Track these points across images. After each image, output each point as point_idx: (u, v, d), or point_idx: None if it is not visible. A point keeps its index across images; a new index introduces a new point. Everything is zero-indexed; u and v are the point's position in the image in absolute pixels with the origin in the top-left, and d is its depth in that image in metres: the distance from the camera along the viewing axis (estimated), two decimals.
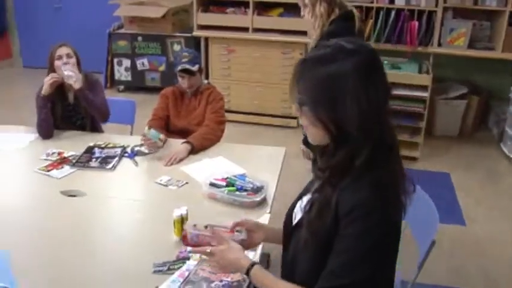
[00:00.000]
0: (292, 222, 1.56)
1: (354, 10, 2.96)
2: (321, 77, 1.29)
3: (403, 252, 2.60)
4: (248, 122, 5.51)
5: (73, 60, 3.12)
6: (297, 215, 1.52)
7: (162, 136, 2.89)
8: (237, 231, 1.68)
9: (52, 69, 3.11)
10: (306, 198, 1.49)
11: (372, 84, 1.28)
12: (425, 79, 4.58)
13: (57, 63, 3.09)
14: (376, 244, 1.28)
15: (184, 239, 1.75)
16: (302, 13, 3.02)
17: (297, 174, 3.60)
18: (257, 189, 2.41)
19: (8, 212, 2.39)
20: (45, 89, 3.05)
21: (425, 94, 4.56)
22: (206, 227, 1.70)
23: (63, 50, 3.11)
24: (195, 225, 1.72)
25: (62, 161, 2.81)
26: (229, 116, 3.89)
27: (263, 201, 2.38)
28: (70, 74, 3.04)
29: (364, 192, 1.28)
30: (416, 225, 2.29)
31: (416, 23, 4.79)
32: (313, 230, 1.36)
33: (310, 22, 2.95)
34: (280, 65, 5.37)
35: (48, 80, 3.05)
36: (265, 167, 2.77)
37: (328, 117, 1.30)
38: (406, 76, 4.62)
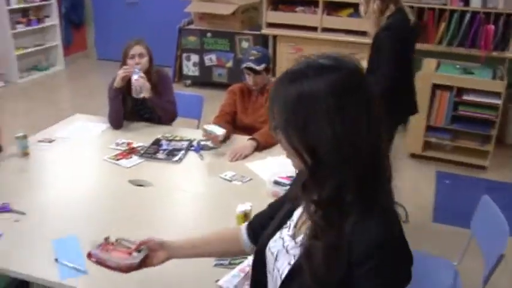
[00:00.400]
0: (265, 262, 1.36)
1: (406, 7, 3.09)
2: (290, 97, 1.12)
3: (466, 263, 2.53)
4: None
5: (144, 60, 3.21)
6: (280, 257, 1.28)
7: (222, 131, 2.94)
8: (139, 250, 1.57)
9: (125, 63, 3.22)
10: (288, 237, 1.29)
11: (350, 105, 1.10)
12: (499, 85, 4.40)
13: (129, 62, 3.19)
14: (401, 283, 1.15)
15: (89, 256, 1.62)
16: (360, 12, 3.15)
17: None
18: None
19: (77, 197, 2.50)
20: (117, 82, 3.16)
21: (499, 101, 4.39)
22: (107, 238, 1.62)
23: (137, 49, 3.20)
24: (100, 245, 1.62)
25: (131, 151, 2.90)
26: None
27: None
28: (137, 87, 3.12)
29: (378, 228, 1.11)
30: (483, 237, 2.22)
31: (493, 27, 4.62)
32: (322, 282, 1.14)
33: (366, 19, 3.10)
34: None
35: (120, 73, 3.16)
36: None
37: (299, 142, 1.13)
38: (478, 82, 4.46)
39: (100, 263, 1.57)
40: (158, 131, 3.19)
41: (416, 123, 4.60)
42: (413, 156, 4.80)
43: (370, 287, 1.11)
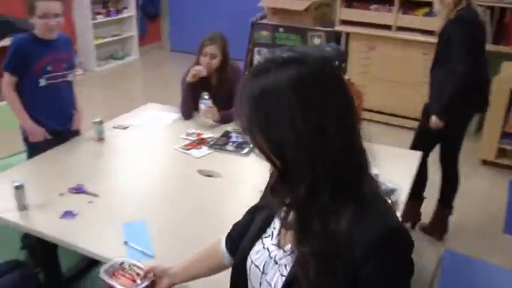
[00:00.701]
0: (245, 276, 1.26)
1: (475, 4, 3.16)
2: (252, 93, 1.04)
3: None
4: (379, 121, 5.39)
5: (215, 60, 3.24)
6: (269, 269, 1.18)
7: None
8: (145, 277, 1.61)
9: (199, 59, 3.27)
10: (273, 246, 1.19)
11: (313, 99, 1.01)
12: None
13: (202, 59, 3.25)
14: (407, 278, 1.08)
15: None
16: (434, 9, 3.26)
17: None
18: (389, 192, 2.35)
19: (147, 184, 2.58)
20: (190, 77, 3.24)
21: None
22: (122, 263, 1.68)
23: (210, 49, 3.23)
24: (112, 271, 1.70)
25: (201, 141, 2.95)
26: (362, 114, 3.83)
27: (394, 205, 2.31)
28: (204, 115, 3.22)
29: (376, 222, 1.04)
30: None
31: None
32: None
33: (438, 11, 3.20)
34: (420, 67, 5.16)
35: (193, 71, 3.22)
36: (399, 169, 2.69)
37: (264, 141, 1.05)
38: None
39: None
40: (228, 124, 3.22)
41: (491, 128, 4.42)
42: (485, 162, 4.62)
43: (378, 284, 1.04)
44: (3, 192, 2.36)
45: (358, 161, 1.08)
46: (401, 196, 2.37)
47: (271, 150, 1.06)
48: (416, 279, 1.08)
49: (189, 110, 3.32)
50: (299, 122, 1.00)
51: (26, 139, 3.05)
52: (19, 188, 2.26)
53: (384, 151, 2.96)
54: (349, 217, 1.03)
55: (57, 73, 3.00)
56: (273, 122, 1.02)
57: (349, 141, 1.06)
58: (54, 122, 3.06)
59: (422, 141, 3.36)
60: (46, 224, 2.20)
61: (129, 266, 1.69)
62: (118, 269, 1.70)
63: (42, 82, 2.94)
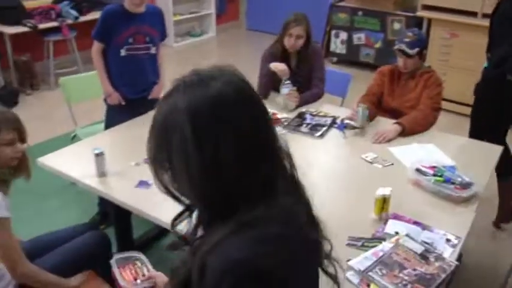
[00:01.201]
0: None
1: None
2: (155, 122, 0.98)
3: None
4: (458, 112, 5.19)
5: (300, 41, 3.22)
6: None
7: (365, 121, 2.89)
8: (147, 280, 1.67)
9: (283, 38, 3.25)
10: None
11: (205, 133, 0.91)
12: None
13: (287, 40, 3.22)
14: None
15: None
16: None
17: None
18: (465, 185, 2.28)
19: None
20: (272, 66, 3.21)
21: None
22: (136, 259, 1.82)
23: (296, 30, 3.20)
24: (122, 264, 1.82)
25: (275, 121, 2.96)
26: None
27: (470, 199, 2.24)
28: (286, 102, 3.18)
29: (232, 251, 0.91)
30: None
31: None
32: None
33: None
34: None
35: (271, 67, 3.20)
36: (478, 163, 2.59)
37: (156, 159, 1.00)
38: None
39: (115, 279, 1.76)
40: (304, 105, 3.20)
41: None
42: None
43: None
44: (84, 159, 2.47)
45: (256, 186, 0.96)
46: (478, 190, 2.28)
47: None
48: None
49: (266, 88, 3.32)
50: (191, 158, 0.92)
51: (105, 100, 3.30)
52: (99, 156, 2.36)
53: (463, 143, 2.89)
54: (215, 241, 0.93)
55: (138, 45, 3.13)
56: (172, 153, 0.95)
57: (247, 169, 0.95)
58: (130, 90, 3.25)
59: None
60: (122, 191, 2.29)
61: (141, 264, 1.79)
62: (129, 263, 1.80)
63: (123, 52, 3.11)
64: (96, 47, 3.16)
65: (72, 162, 2.54)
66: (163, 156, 0.97)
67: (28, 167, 2.10)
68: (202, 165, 0.92)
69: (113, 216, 2.89)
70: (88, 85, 3.58)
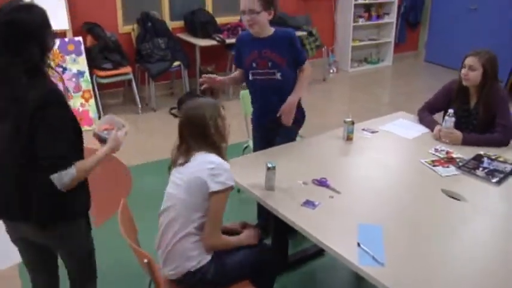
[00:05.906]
0: None
1: None
2: None
3: None
4: None
5: (474, 73, 3.05)
6: None
7: None
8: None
9: (461, 71, 3.11)
10: None
11: None
12: None
13: (463, 71, 3.09)
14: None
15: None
16: None
17: None
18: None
19: (388, 190, 2.58)
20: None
21: None
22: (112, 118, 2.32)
23: (470, 61, 3.06)
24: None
25: (449, 160, 2.83)
26: None
27: None
28: (444, 137, 3.08)
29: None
30: None
31: None
32: None
33: None
34: None
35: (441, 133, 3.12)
36: None
37: None
38: None
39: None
40: (481, 148, 3.01)
41: None
42: None
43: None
44: (254, 170, 2.59)
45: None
46: None
47: None
48: None
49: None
50: None
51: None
52: (271, 169, 2.45)
53: None
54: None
55: (260, 70, 3.07)
56: None
57: None
58: (256, 113, 3.31)
59: None
60: (287, 207, 2.36)
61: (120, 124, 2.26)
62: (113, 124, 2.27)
63: (250, 76, 3.13)
64: (239, 71, 3.28)
65: (243, 172, 2.66)
66: None
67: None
68: None
69: (273, 230, 2.97)
70: None
